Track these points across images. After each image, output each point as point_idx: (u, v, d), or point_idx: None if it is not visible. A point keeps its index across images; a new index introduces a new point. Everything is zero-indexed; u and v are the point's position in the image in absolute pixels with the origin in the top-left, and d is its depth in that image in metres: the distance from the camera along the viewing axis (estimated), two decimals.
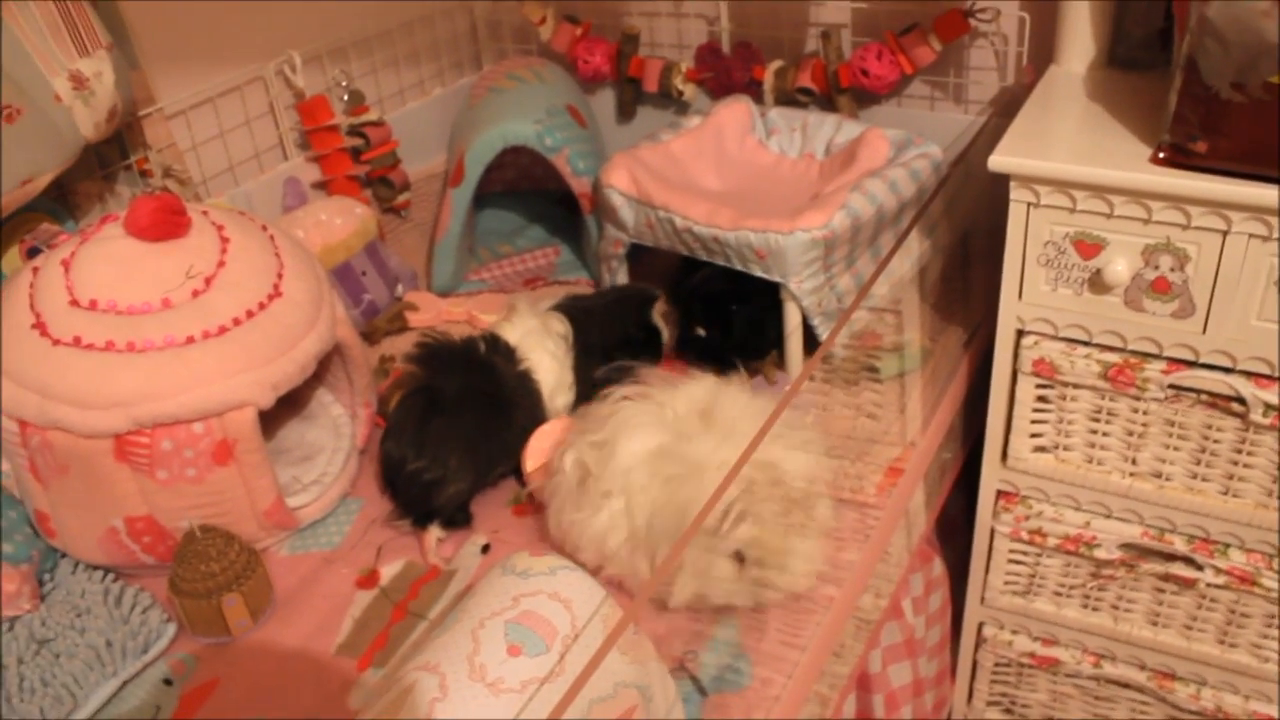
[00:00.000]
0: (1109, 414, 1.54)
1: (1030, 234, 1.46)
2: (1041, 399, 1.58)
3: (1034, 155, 1.40)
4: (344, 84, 2.03)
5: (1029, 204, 1.43)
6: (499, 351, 1.58)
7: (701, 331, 1.76)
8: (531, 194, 2.31)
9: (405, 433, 1.50)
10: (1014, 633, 1.82)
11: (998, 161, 1.41)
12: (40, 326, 1.33)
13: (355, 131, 2.01)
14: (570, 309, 1.67)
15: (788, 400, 1.28)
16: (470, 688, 0.90)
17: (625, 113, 2.27)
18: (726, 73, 2.07)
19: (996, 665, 1.89)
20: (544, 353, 1.60)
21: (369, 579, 1.44)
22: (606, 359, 1.67)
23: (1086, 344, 1.50)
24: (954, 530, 1.96)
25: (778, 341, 1.74)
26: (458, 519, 1.51)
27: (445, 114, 2.26)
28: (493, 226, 2.25)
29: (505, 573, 1.03)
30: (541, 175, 2.22)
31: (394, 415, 1.54)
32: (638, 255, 1.87)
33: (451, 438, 1.49)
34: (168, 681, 1.33)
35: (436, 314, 1.95)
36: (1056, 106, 1.55)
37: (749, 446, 1.14)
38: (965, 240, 1.85)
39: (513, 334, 1.60)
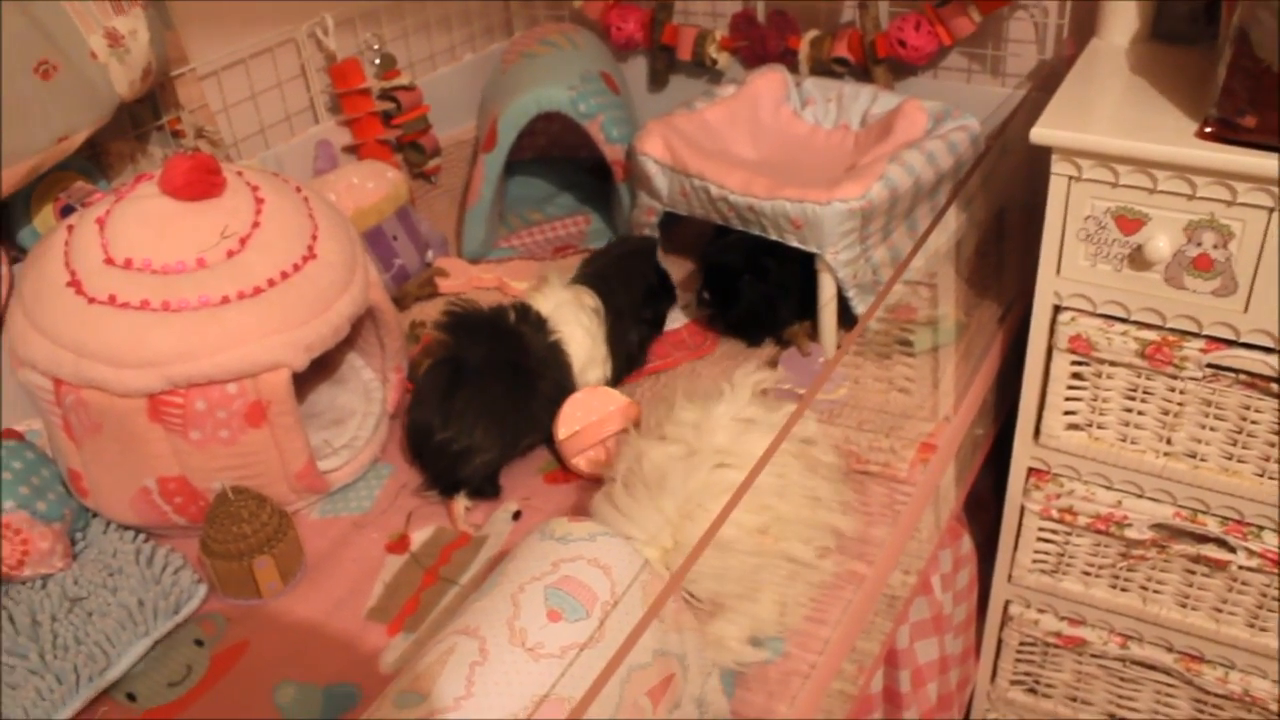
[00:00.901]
0: (1145, 392, 1.52)
1: (1070, 208, 1.44)
2: (1076, 376, 1.56)
3: (1077, 128, 1.38)
4: (376, 47, 2.02)
5: (1070, 178, 1.42)
6: (529, 321, 1.57)
7: (706, 295, 1.76)
8: (562, 161, 2.30)
9: (431, 402, 1.49)
10: (1040, 611, 1.81)
11: (1040, 134, 1.39)
12: (75, 284, 1.33)
13: (387, 95, 2.00)
14: (592, 280, 1.66)
15: (825, 376, 1.27)
16: (510, 652, 0.90)
17: (657, 81, 2.25)
18: (761, 42, 2.05)
19: (1021, 644, 1.88)
20: (577, 326, 1.59)
21: (399, 544, 1.44)
22: (636, 317, 1.66)
23: (1124, 321, 1.49)
24: (981, 507, 1.95)
25: (789, 320, 1.74)
26: (485, 489, 1.51)
27: (476, 80, 2.24)
28: (523, 193, 2.24)
29: (544, 538, 1.02)
30: (573, 143, 2.20)
31: (421, 384, 1.53)
32: (669, 224, 1.85)
33: (478, 408, 1.48)
34: (199, 642, 1.33)
35: (467, 280, 1.94)
36: (1099, 80, 1.53)
37: (776, 437, 1.13)
38: (1000, 215, 1.83)
39: (545, 305, 1.59)
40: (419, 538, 1.45)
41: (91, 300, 1.32)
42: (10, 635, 1.31)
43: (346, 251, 1.46)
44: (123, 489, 1.40)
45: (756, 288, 1.71)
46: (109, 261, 1.34)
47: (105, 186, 1.63)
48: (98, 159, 1.64)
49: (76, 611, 1.33)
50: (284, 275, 1.38)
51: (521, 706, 0.87)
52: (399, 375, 1.63)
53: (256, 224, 1.40)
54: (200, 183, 1.38)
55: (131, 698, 1.27)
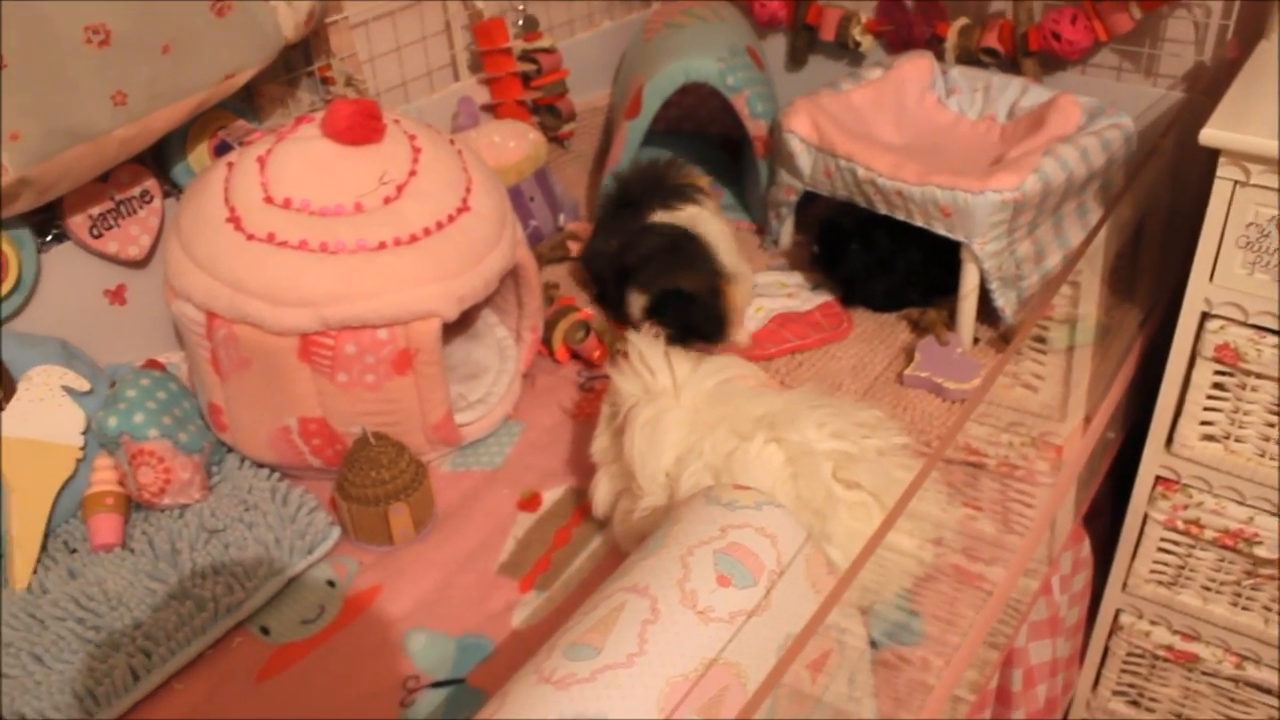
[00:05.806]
0: None
1: (1233, 214, 1.41)
2: (1218, 386, 1.53)
3: (1249, 131, 1.35)
4: (520, 8, 2.02)
5: (1236, 182, 1.38)
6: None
7: (816, 250, 1.80)
8: (693, 135, 2.28)
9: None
10: (1153, 623, 1.78)
11: (1210, 135, 1.36)
12: (235, 220, 1.34)
13: (528, 57, 1.99)
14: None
15: (980, 395, 1.25)
16: (681, 613, 0.89)
17: (796, 60, 2.22)
18: (908, 27, 2.02)
19: (1129, 655, 1.85)
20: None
21: (530, 501, 1.44)
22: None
23: (1277, 333, 1.45)
24: (1096, 513, 1.91)
25: (902, 302, 1.75)
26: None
27: (612, 47, 2.24)
28: None
29: (711, 503, 1.01)
30: (705, 117, 2.19)
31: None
32: (802, 204, 1.83)
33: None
34: (331, 583, 1.34)
35: None
36: (1270, 83, 1.49)
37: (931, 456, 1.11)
38: (1143, 219, 1.79)
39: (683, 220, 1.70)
40: (550, 497, 1.45)
41: (250, 237, 1.33)
42: (151, 560, 1.33)
43: (498, 207, 1.47)
44: (263, 426, 1.41)
45: (861, 256, 1.72)
46: (269, 200, 1.36)
47: (258, 126, 1.65)
48: (250, 100, 1.66)
49: (214, 543, 1.35)
50: (439, 225, 1.38)
51: (692, 668, 0.86)
52: (534, 335, 1.63)
53: (413, 172, 1.41)
54: (362, 127, 1.38)
55: (265, 631, 1.29)
